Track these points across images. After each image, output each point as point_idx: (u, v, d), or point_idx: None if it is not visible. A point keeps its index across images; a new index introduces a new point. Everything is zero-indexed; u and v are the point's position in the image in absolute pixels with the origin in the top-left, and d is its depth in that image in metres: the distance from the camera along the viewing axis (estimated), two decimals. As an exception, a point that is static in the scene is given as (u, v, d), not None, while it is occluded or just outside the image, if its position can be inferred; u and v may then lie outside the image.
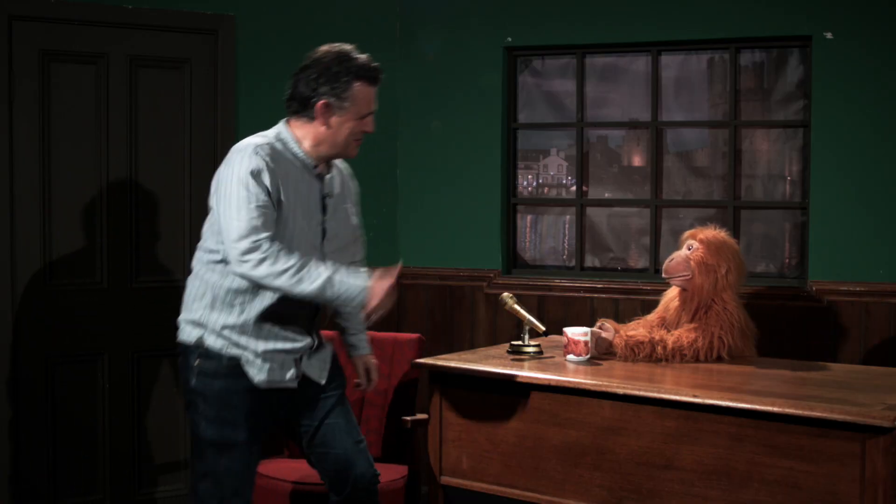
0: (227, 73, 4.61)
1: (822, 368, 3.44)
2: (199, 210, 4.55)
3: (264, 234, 2.87)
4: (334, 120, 3.11)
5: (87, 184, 4.39)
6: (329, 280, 2.88)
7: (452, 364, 3.46)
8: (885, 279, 4.32)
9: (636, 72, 4.87)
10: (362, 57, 3.12)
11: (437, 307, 5.08)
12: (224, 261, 2.98)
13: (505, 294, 3.72)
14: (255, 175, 2.91)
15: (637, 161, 4.95)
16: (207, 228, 3.07)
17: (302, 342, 3.10)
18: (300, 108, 3.11)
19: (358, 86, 3.16)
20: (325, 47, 3.15)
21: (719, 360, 3.50)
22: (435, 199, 5.11)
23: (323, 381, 3.20)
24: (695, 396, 2.96)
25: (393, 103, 5.14)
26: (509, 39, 4.96)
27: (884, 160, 4.33)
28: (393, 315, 5.10)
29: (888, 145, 4.32)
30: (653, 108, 4.82)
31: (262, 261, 2.85)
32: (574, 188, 5.01)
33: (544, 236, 5.11)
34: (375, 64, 3.15)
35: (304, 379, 3.14)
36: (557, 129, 5.06)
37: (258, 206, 2.89)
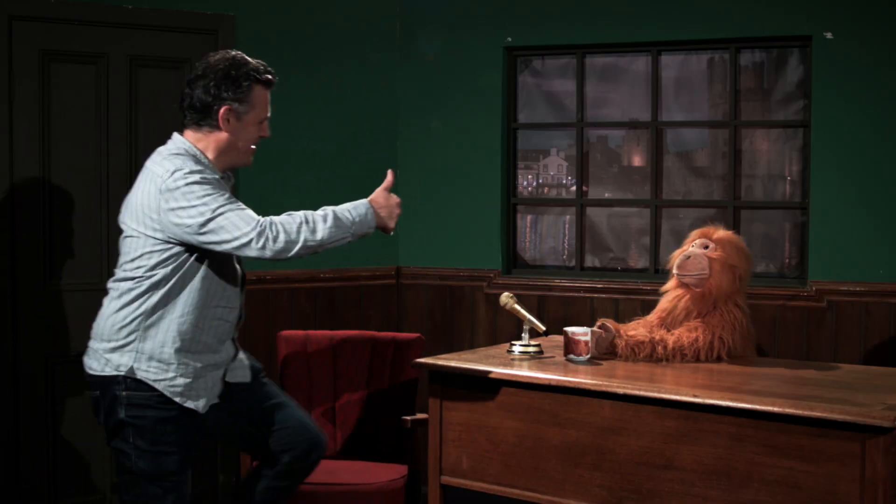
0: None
1: (822, 368, 3.44)
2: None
3: (254, 214, 2.91)
4: (237, 126, 3.07)
5: (88, 183, 4.39)
6: (335, 215, 2.94)
7: (452, 364, 3.46)
8: (885, 279, 4.32)
9: (636, 72, 4.87)
10: (256, 61, 3.09)
11: (437, 307, 5.08)
12: (143, 282, 2.95)
13: (505, 294, 3.72)
14: (202, 180, 2.93)
15: (637, 161, 4.95)
16: (132, 250, 2.98)
17: (229, 353, 3.15)
18: (201, 116, 3.04)
19: (258, 89, 3.07)
20: (216, 54, 3.09)
21: (719, 360, 3.50)
22: (435, 199, 5.11)
23: (248, 380, 3.27)
24: (695, 396, 2.96)
25: (393, 103, 5.14)
26: (509, 39, 4.96)
27: (884, 160, 4.33)
28: (393, 315, 5.11)
29: (888, 145, 4.33)
30: (653, 108, 4.83)
31: (276, 237, 2.88)
32: (574, 188, 5.02)
33: (544, 236, 5.12)
34: (270, 68, 3.13)
35: (228, 386, 3.17)
36: (557, 129, 5.06)
37: (227, 196, 2.93)
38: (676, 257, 3.62)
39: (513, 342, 3.62)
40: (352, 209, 2.99)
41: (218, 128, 3.04)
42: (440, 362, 3.50)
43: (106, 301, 3.05)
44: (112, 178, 4.42)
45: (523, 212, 5.12)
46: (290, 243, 2.89)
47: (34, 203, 4.29)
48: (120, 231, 3.07)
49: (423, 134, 5.12)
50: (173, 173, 2.92)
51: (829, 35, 4.39)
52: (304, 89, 4.86)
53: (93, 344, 3.04)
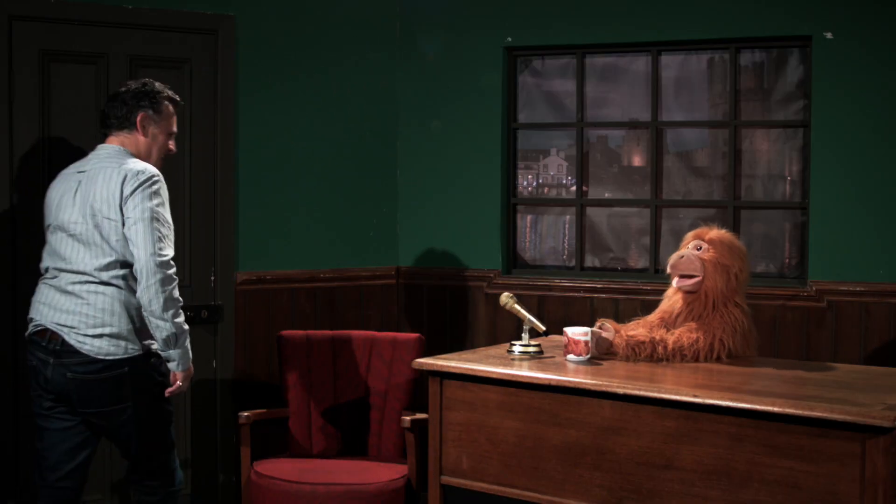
0: (227, 73, 4.61)
1: (822, 368, 3.44)
2: (199, 210, 4.56)
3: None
4: (152, 130, 3.60)
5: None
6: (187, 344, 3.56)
7: (452, 364, 3.46)
8: (885, 279, 4.32)
9: (636, 72, 4.87)
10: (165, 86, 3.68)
11: (437, 307, 5.08)
12: (130, 274, 3.44)
13: (505, 294, 3.72)
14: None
15: (637, 161, 4.95)
16: (116, 243, 3.43)
17: None
18: (120, 122, 3.58)
19: (168, 105, 3.64)
20: (130, 82, 3.69)
21: (719, 360, 3.50)
22: (435, 199, 5.11)
23: None
24: (695, 396, 2.96)
25: (393, 103, 5.14)
26: (509, 39, 4.96)
27: (884, 160, 4.33)
28: (393, 315, 5.11)
29: (888, 145, 4.33)
30: (653, 108, 4.83)
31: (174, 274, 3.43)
32: (574, 188, 5.02)
33: (544, 236, 5.12)
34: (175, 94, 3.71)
35: None
36: (557, 129, 5.06)
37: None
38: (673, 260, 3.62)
39: (513, 342, 3.62)
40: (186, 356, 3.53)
41: (136, 131, 3.58)
42: (440, 362, 3.50)
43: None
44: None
45: (523, 212, 5.12)
46: (174, 283, 3.44)
47: (34, 203, 4.29)
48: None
49: (423, 134, 5.12)
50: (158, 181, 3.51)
51: (829, 35, 4.39)
52: (304, 89, 4.87)
53: (97, 331, 3.47)
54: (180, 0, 4.50)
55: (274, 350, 4.65)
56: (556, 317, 4.79)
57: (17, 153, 4.24)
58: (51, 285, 3.53)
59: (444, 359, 3.54)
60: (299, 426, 4.21)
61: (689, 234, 3.67)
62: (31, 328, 3.57)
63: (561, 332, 3.59)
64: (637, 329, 3.58)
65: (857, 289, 4.36)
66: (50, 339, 3.46)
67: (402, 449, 4.13)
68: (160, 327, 3.39)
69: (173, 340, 3.43)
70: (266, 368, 4.75)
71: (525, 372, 3.32)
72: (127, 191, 3.38)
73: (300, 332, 4.31)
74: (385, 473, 3.93)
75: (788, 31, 4.50)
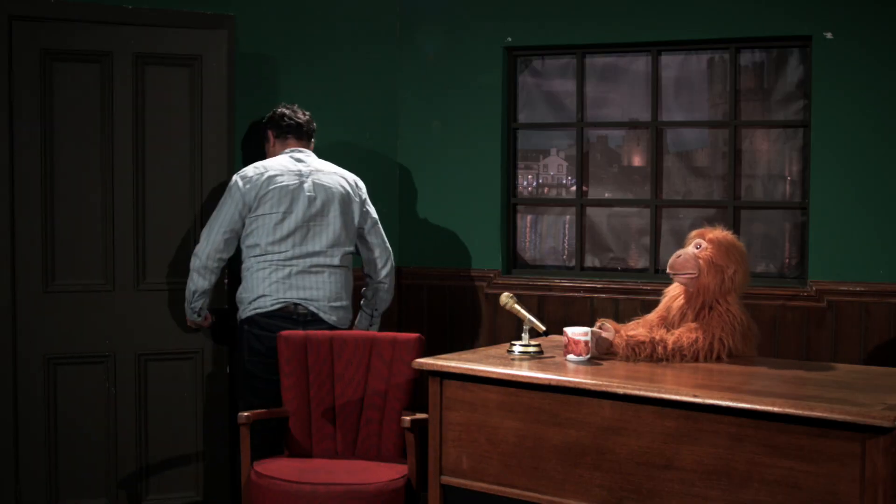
0: (227, 73, 4.60)
1: (822, 368, 3.44)
2: (204, 210, 4.55)
3: None
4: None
5: (89, 183, 4.38)
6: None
7: (452, 364, 3.46)
8: (885, 279, 4.32)
9: (636, 72, 4.88)
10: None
11: (437, 307, 5.08)
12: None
13: (505, 294, 3.72)
14: None
15: (637, 161, 4.95)
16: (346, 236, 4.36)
17: None
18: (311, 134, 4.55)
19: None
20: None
21: (719, 360, 3.50)
22: (435, 199, 5.11)
23: None
24: (695, 396, 2.96)
25: (393, 103, 5.14)
26: (509, 39, 4.96)
27: (884, 160, 4.33)
28: (393, 315, 5.10)
29: (888, 145, 4.33)
30: (653, 108, 4.83)
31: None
32: (574, 188, 5.02)
33: (544, 236, 5.12)
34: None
35: None
36: (557, 129, 5.06)
37: None
38: None
39: (513, 342, 3.62)
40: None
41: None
42: (440, 362, 3.49)
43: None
44: (115, 178, 4.40)
45: (523, 212, 5.12)
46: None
47: (34, 203, 4.28)
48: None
49: (423, 134, 5.12)
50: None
51: (829, 35, 4.39)
52: (304, 89, 4.86)
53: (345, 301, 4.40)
54: (181, 0, 4.50)
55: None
56: (556, 317, 4.79)
57: (17, 153, 4.23)
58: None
59: (444, 359, 3.54)
60: (299, 426, 4.21)
61: (693, 233, 3.67)
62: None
63: (561, 332, 3.59)
64: (637, 329, 3.58)
65: (857, 289, 4.36)
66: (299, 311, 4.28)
67: (402, 449, 4.13)
68: None
69: None
70: (266, 368, 4.74)
71: (525, 372, 3.32)
72: None
73: (300, 332, 4.30)
74: (385, 473, 3.93)
75: (788, 31, 4.50)
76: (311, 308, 4.28)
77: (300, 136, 4.43)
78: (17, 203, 4.25)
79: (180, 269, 4.43)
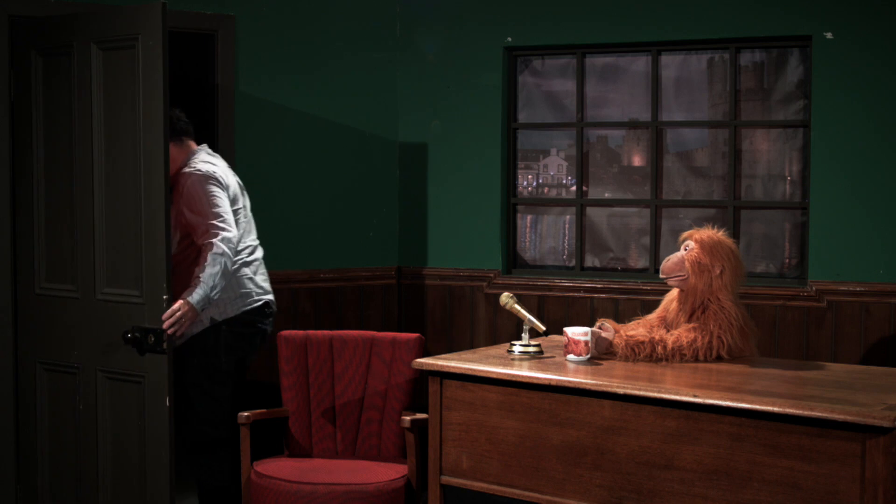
0: (227, 73, 4.61)
1: (822, 368, 3.44)
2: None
3: None
4: None
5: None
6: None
7: (452, 364, 3.46)
8: (885, 279, 4.32)
9: (636, 72, 4.88)
10: None
11: (437, 307, 5.09)
12: None
13: (505, 294, 3.72)
14: None
15: (637, 161, 4.95)
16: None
17: None
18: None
19: None
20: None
21: (719, 359, 3.50)
22: (435, 199, 5.11)
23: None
24: (695, 396, 2.96)
25: (393, 103, 5.14)
26: (509, 39, 4.96)
27: (884, 160, 4.33)
28: (393, 315, 5.11)
29: (888, 145, 4.33)
30: (653, 108, 4.83)
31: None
32: (574, 188, 5.02)
33: (544, 236, 5.12)
34: None
35: None
36: (557, 129, 5.06)
37: None
38: None
39: (513, 342, 3.62)
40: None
41: None
42: (440, 362, 3.50)
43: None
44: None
45: (523, 212, 5.12)
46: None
47: (34, 202, 4.28)
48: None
49: (423, 134, 5.12)
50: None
51: (829, 35, 4.39)
52: (304, 89, 4.87)
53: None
54: (180, 0, 4.50)
55: (274, 350, 4.65)
56: (556, 317, 4.79)
57: (17, 153, 4.23)
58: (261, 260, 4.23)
59: (444, 359, 3.54)
60: (299, 426, 4.21)
61: (683, 235, 3.69)
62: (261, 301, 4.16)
63: (561, 332, 3.59)
64: (637, 329, 3.59)
65: (857, 289, 4.36)
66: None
67: (402, 449, 4.13)
68: None
69: None
70: (266, 368, 4.75)
71: (525, 372, 3.32)
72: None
73: (300, 332, 4.30)
74: (385, 473, 3.93)
75: (788, 31, 4.50)
76: (273, 301, 4.28)
77: (191, 135, 4.17)
78: (18, 203, 4.24)
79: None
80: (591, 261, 4.99)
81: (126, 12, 3.84)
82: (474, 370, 3.39)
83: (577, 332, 3.46)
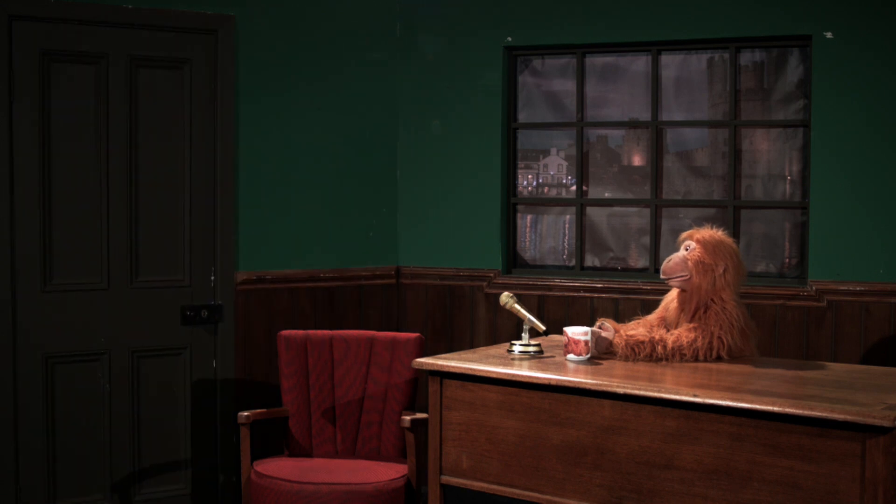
0: (227, 73, 4.61)
1: (822, 368, 3.44)
2: (199, 210, 4.56)
3: None
4: None
5: (88, 183, 4.38)
6: None
7: (452, 364, 3.46)
8: (885, 279, 4.32)
9: (636, 72, 4.88)
10: None
11: (437, 307, 5.09)
12: None
13: (505, 294, 3.72)
14: None
15: (637, 161, 4.95)
16: None
17: None
18: None
19: None
20: None
21: (719, 359, 3.50)
22: (435, 199, 5.11)
23: None
24: (695, 396, 2.96)
25: (393, 103, 5.14)
26: (509, 39, 4.96)
27: (884, 160, 4.34)
28: (393, 315, 5.11)
29: (888, 145, 4.33)
30: (653, 107, 4.83)
31: None
32: (574, 188, 5.02)
33: (544, 236, 5.12)
34: None
35: None
36: (557, 129, 5.06)
37: None
38: None
39: (513, 342, 3.62)
40: None
41: None
42: (440, 362, 3.50)
43: None
44: (112, 178, 4.41)
45: (523, 212, 5.12)
46: None
47: (34, 203, 4.28)
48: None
49: (423, 134, 5.12)
50: None
51: (829, 35, 4.39)
52: (304, 89, 4.87)
53: None
54: (180, 0, 4.50)
55: (274, 350, 4.65)
56: (556, 317, 4.79)
57: (17, 153, 4.23)
58: None
59: (444, 359, 3.54)
60: (299, 426, 4.21)
61: (683, 235, 3.68)
62: None
63: (561, 332, 3.59)
64: (637, 329, 3.59)
65: (857, 288, 4.36)
66: None
67: (402, 449, 4.13)
68: None
69: None
70: (266, 368, 4.75)
71: (525, 372, 3.32)
72: None
73: (300, 332, 4.31)
74: (385, 473, 3.93)
75: (788, 31, 4.50)
76: None
77: None
78: (17, 202, 4.25)
79: (174, 266, 4.48)
80: (591, 260, 4.99)
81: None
82: (474, 370, 3.39)
83: (577, 332, 3.46)
